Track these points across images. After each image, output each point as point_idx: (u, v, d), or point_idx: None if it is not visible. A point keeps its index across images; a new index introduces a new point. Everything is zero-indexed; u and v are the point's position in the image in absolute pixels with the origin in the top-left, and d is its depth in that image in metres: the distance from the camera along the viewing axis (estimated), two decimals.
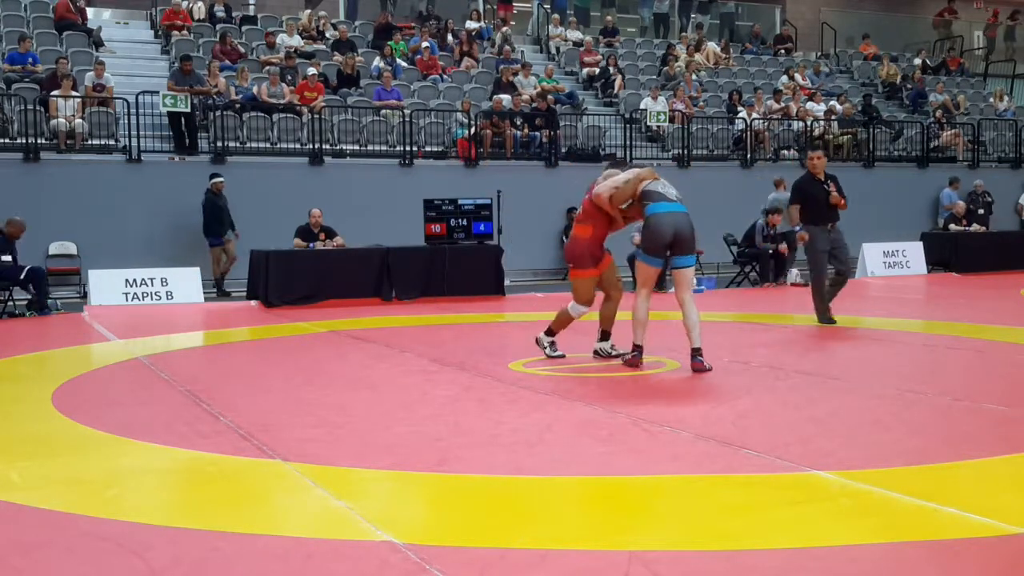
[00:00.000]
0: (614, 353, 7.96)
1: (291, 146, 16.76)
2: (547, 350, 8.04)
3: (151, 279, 13.25)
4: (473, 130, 17.44)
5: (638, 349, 7.56)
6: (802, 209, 10.08)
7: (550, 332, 8.11)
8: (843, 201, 10.01)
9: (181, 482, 4.85)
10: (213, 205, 14.36)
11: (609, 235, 8.00)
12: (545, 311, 12.26)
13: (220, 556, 3.60)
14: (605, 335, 8.11)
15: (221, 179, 14.47)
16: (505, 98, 18.65)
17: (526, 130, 18.16)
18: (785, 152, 20.54)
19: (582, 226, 7.93)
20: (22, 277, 12.06)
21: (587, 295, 7.93)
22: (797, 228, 10.32)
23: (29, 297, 12.34)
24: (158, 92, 15.74)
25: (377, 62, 19.34)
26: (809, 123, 20.69)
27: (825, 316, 10.11)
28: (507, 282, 14.45)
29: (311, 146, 16.66)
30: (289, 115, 16.83)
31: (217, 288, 14.33)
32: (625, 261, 15.19)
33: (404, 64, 19.75)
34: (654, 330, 8.01)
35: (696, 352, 7.34)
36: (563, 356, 8.01)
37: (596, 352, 8.12)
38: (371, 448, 5.18)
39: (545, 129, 18.17)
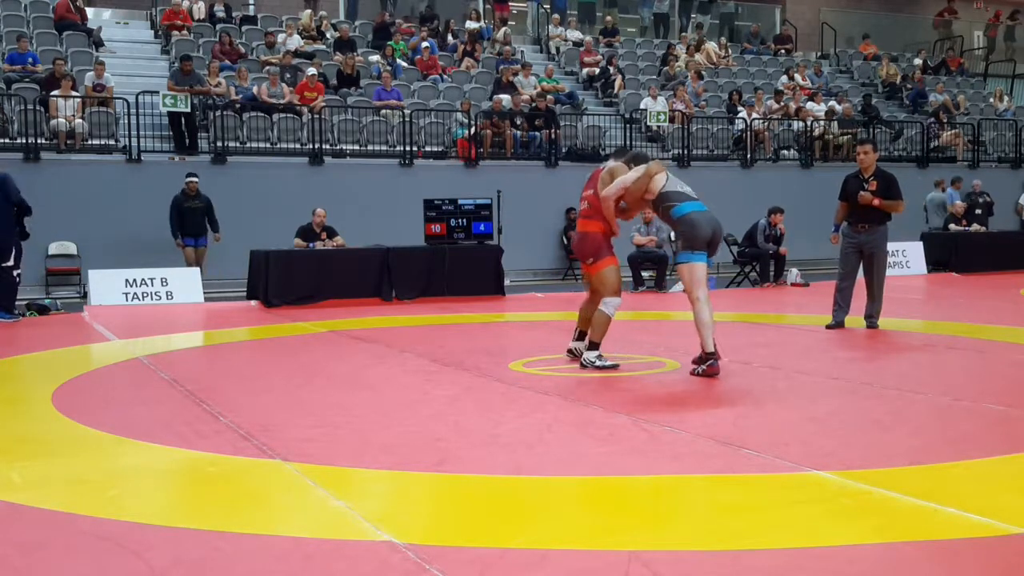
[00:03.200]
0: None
1: (291, 146, 16.77)
2: (597, 363, 7.41)
3: (151, 279, 13.25)
4: (473, 130, 17.44)
5: (712, 356, 7.05)
6: (847, 207, 9.75)
7: (593, 346, 7.49)
8: (876, 200, 9.53)
9: (181, 482, 4.85)
10: (178, 205, 14.24)
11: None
12: (545, 311, 12.30)
13: (220, 556, 3.59)
14: (583, 335, 7.82)
15: (195, 179, 14.29)
16: (505, 98, 18.65)
17: (526, 130, 18.16)
18: (785, 152, 20.54)
19: (591, 221, 7.54)
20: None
21: (615, 284, 7.48)
22: (833, 228, 9.99)
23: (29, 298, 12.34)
24: (158, 92, 15.75)
25: (377, 62, 19.35)
26: (809, 123, 20.69)
27: (834, 318, 9.82)
28: (507, 282, 14.45)
29: (311, 146, 16.67)
30: (289, 115, 16.83)
31: None
32: (626, 261, 15.26)
33: (404, 64, 19.75)
34: (653, 330, 8.01)
35: (708, 355, 7.23)
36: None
37: (571, 351, 7.86)
38: (371, 448, 5.18)
39: (545, 129, 18.17)
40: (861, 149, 9.85)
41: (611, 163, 7.64)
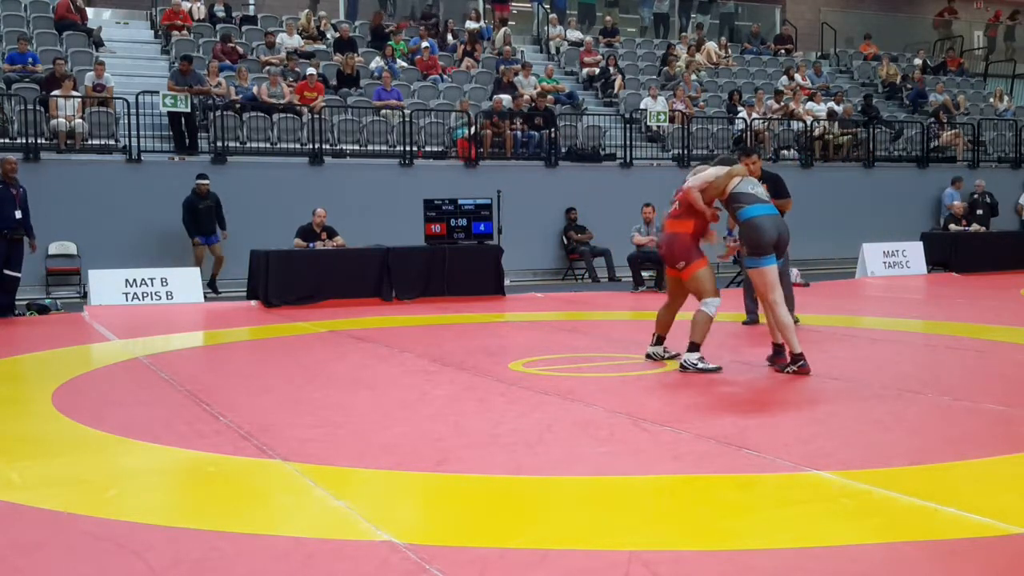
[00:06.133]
0: (667, 356, 7.83)
1: (291, 146, 16.75)
2: (699, 365, 7.29)
3: (151, 279, 13.24)
4: (473, 130, 17.44)
5: (801, 356, 7.10)
6: None
7: (694, 348, 7.37)
8: None
9: (181, 482, 4.85)
10: (192, 206, 14.40)
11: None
12: (545, 311, 12.30)
13: (220, 556, 3.60)
14: (660, 340, 7.89)
15: (206, 182, 14.45)
16: (505, 98, 18.65)
17: (525, 129, 18.13)
18: (785, 152, 20.53)
19: (681, 221, 7.50)
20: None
21: (713, 284, 7.46)
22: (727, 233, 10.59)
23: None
24: (158, 92, 15.74)
25: (377, 62, 19.35)
26: (809, 123, 20.69)
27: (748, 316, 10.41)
28: (507, 282, 14.45)
29: (311, 146, 16.66)
30: (289, 115, 16.82)
31: (211, 287, 14.31)
32: (626, 261, 15.27)
33: (404, 64, 19.74)
34: (650, 331, 7.99)
35: (797, 356, 7.16)
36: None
37: (649, 356, 7.88)
38: (371, 448, 5.19)
39: (545, 129, 18.16)
40: (748, 161, 9.89)
41: (698, 166, 7.89)
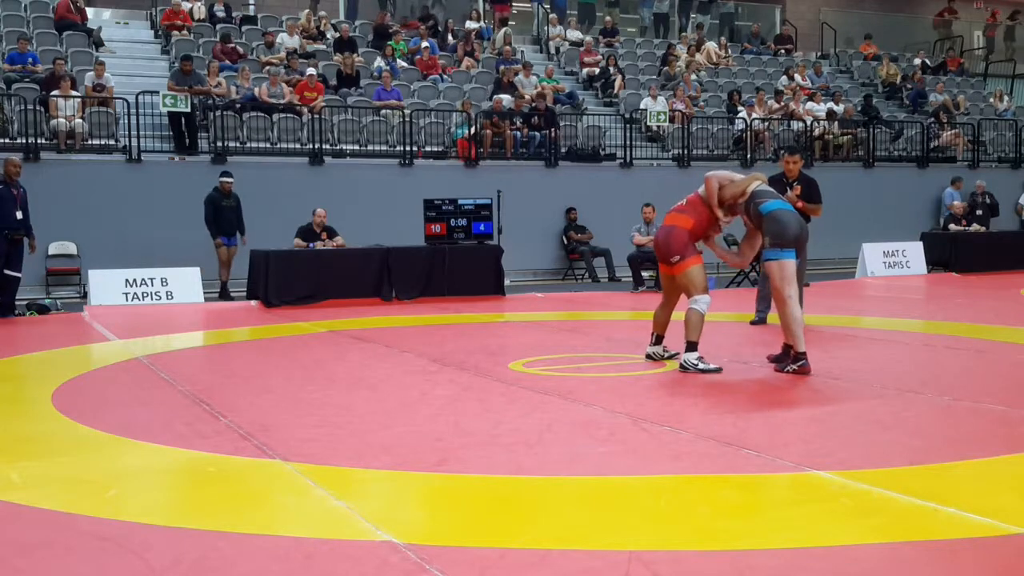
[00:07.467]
0: (667, 355, 7.84)
1: (291, 146, 16.76)
2: (700, 365, 7.28)
3: (151, 279, 13.24)
4: (473, 130, 17.44)
5: (803, 356, 7.06)
6: None
7: (692, 347, 7.37)
8: (799, 203, 9.34)
9: (181, 482, 4.85)
10: (215, 204, 14.10)
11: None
12: (545, 311, 12.30)
13: (220, 556, 3.60)
14: (659, 339, 7.90)
15: (230, 180, 14.03)
16: (505, 98, 18.65)
17: (525, 131, 18.15)
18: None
19: (684, 216, 7.55)
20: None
21: (704, 282, 7.51)
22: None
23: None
24: (158, 92, 15.74)
25: (378, 62, 19.36)
26: (809, 123, 20.69)
27: (757, 316, 10.31)
28: (507, 282, 14.45)
29: (311, 146, 16.67)
30: (289, 115, 16.82)
31: (221, 291, 14.15)
32: (626, 261, 15.27)
33: (404, 64, 19.75)
34: (650, 331, 7.99)
35: (800, 355, 7.12)
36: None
37: (649, 356, 7.88)
38: (371, 448, 5.18)
39: (545, 129, 18.16)
40: (791, 159, 9.84)
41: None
